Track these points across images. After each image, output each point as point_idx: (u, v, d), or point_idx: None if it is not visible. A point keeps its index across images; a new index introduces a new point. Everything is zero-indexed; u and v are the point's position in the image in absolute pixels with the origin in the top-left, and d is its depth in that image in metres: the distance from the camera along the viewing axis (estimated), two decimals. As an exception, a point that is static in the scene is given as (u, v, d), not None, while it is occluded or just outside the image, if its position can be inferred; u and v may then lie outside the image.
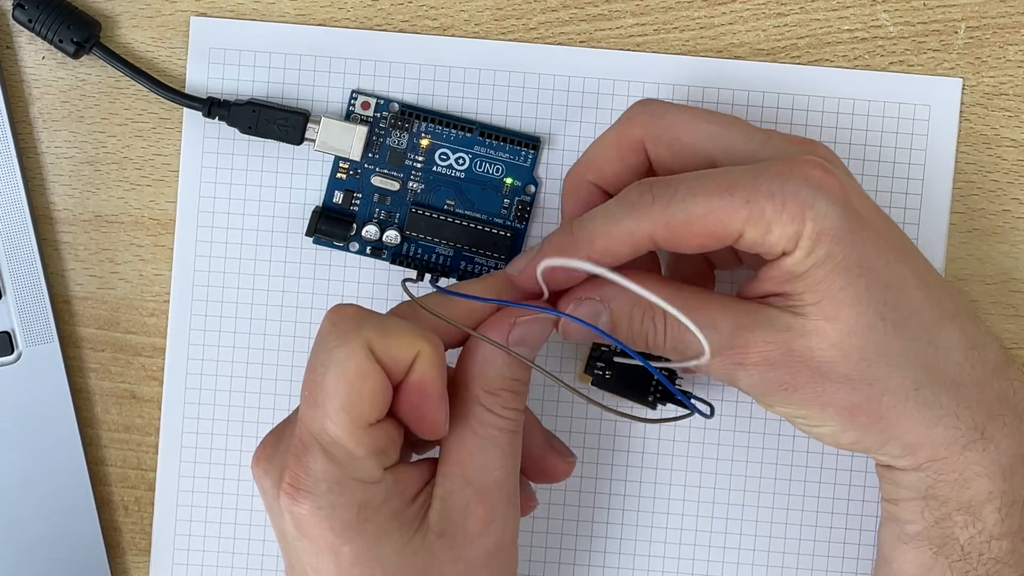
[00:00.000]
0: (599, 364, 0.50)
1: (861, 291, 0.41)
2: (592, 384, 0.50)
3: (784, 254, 0.42)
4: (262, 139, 0.51)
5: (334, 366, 0.41)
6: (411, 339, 0.42)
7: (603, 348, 0.50)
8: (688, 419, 0.50)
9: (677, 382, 0.50)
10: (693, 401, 0.45)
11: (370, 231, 0.51)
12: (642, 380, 0.50)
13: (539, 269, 0.43)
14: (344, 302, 0.44)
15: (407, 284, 0.45)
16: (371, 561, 0.42)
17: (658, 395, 0.50)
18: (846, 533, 0.52)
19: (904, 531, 0.45)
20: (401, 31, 0.51)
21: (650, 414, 0.50)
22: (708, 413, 0.46)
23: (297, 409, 0.43)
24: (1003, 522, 0.43)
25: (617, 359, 0.50)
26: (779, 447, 0.52)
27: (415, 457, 0.47)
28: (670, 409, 0.50)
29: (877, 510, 0.50)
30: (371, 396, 0.41)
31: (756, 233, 0.41)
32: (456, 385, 0.45)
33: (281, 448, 0.43)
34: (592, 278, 0.44)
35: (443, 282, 0.51)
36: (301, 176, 0.51)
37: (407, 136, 0.51)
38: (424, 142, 0.51)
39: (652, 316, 0.44)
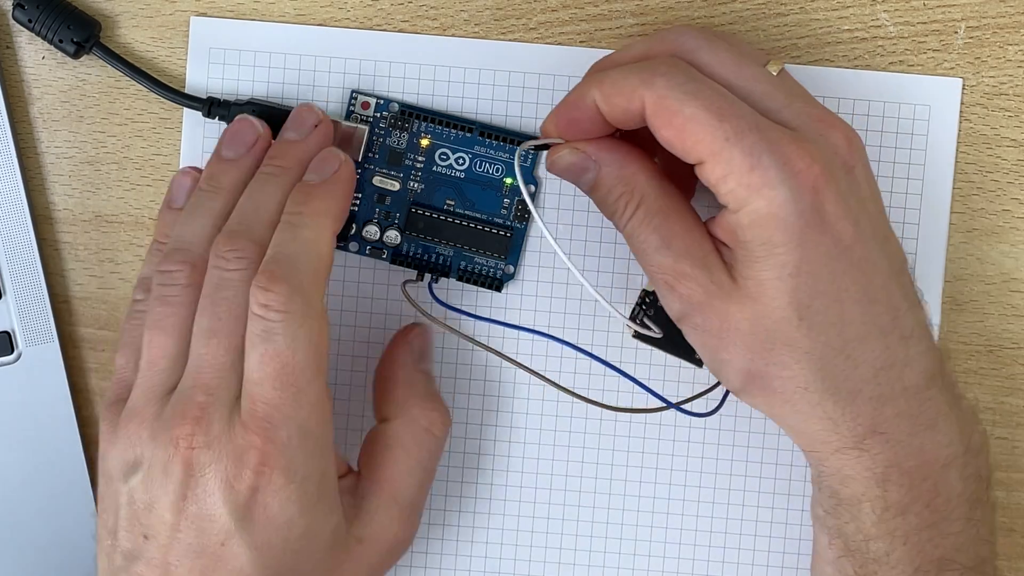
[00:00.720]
0: (648, 313, 0.49)
1: (788, 288, 0.42)
2: (635, 336, 0.49)
3: (727, 209, 0.42)
4: (262, 139, 0.51)
5: None
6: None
7: (650, 296, 0.49)
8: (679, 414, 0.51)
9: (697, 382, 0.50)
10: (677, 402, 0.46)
11: (370, 231, 0.51)
12: None
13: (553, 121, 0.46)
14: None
15: (407, 287, 0.46)
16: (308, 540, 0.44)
17: None
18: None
19: (816, 511, 0.47)
20: (401, 31, 0.51)
21: (696, 373, 0.51)
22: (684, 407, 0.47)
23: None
24: (877, 524, 0.44)
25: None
26: (779, 447, 0.52)
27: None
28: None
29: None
30: None
31: (715, 170, 0.42)
32: (395, 403, 0.48)
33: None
34: (608, 140, 0.46)
35: (443, 282, 0.51)
36: (301, 176, 0.51)
37: (407, 136, 0.51)
38: (424, 142, 0.51)
39: (629, 201, 0.45)
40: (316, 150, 0.48)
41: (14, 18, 0.50)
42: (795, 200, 0.41)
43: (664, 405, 0.48)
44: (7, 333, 0.51)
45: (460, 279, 0.51)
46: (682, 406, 0.48)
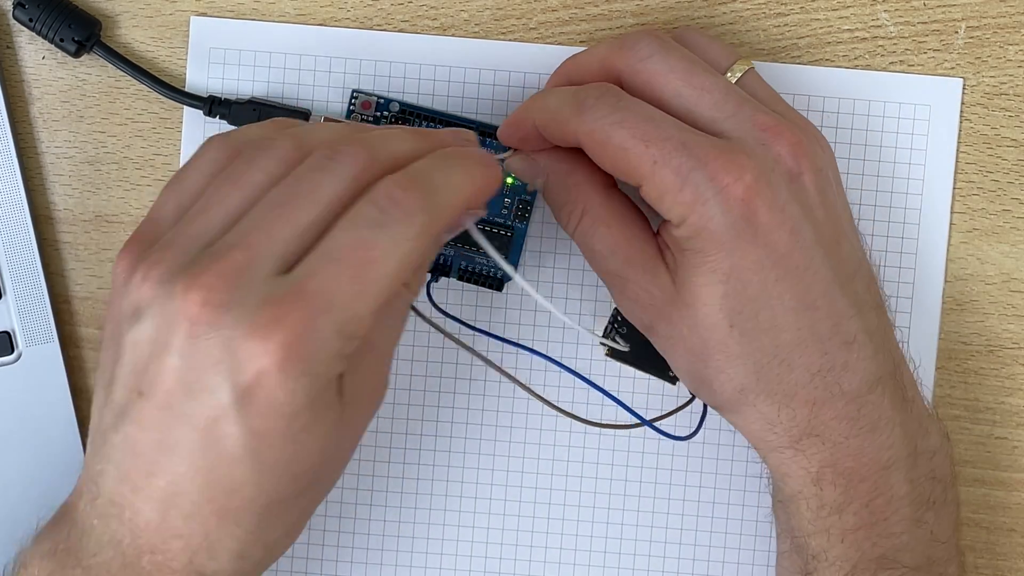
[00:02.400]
0: (620, 331, 0.50)
1: (718, 295, 0.44)
2: (608, 355, 0.50)
3: (668, 223, 0.44)
4: (262, 139, 0.51)
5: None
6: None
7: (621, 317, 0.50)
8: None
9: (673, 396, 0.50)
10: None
11: (370, 231, 0.51)
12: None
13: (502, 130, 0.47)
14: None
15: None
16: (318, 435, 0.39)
17: None
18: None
19: (773, 505, 0.48)
20: (401, 31, 0.51)
21: (668, 389, 0.51)
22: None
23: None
24: (814, 521, 0.46)
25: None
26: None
27: None
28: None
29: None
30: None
31: (650, 192, 0.43)
32: None
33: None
34: (557, 150, 0.47)
35: (443, 281, 0.51)
36: (301, 176, 0.51)
37: (407, 136, 0.51)
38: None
39: (573, 210, 0.46)
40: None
41: (15, 17, 0.50)
42: (724, 213, 0.42)
43: (638, 422, 0.49)
44: (7, 333, 0.51)
45: (460, 278, 0.51)
46: (656, 423, 0.49)
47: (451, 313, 0.50)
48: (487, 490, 0.52)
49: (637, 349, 0.49)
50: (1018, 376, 0.52)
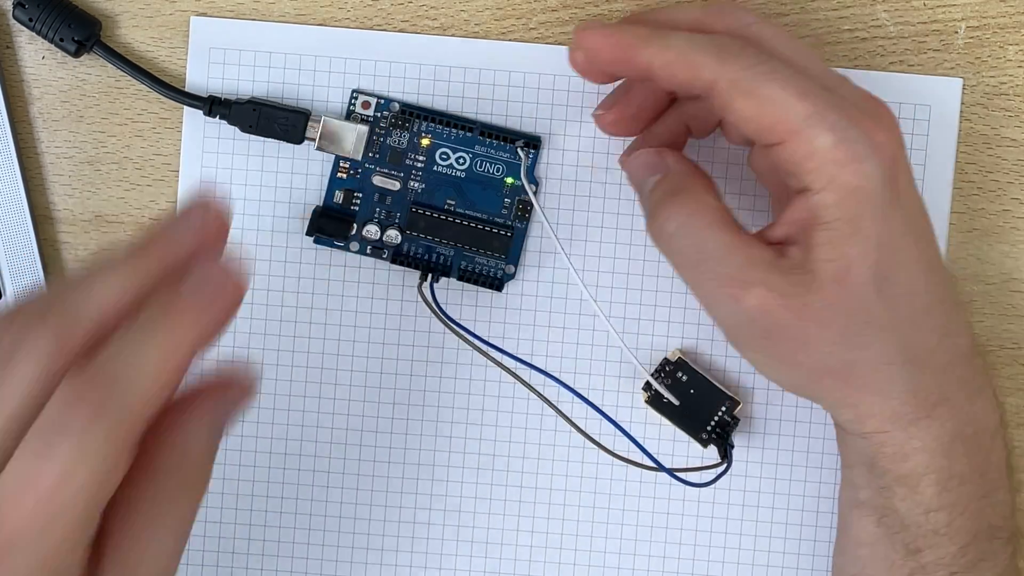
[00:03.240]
0: (666, 382, 0.50)
1: (871, 262, 0.41)
2: (647, 402, 0.50)
3: (808, 190, 0.42)
4: (262, 139, 0.51)
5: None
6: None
7: (671, 364, 0.50)
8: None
9: (732, 433, 0.51)
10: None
11: (370, 231, 0.51)
12: (703, 412, 0.50)
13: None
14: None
15: (423, 289, 0.45)
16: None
17: (714, 435, 0.50)
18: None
19: (856, 496, 0.46)
20: (401, 31, 0.51)
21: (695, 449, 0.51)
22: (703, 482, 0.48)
23: None
24: (940, 495, 0.44)
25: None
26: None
27: None
28: (708, 455, 0.51)
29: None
30: None
31: (797, 149, 0.41)
32: None
33: None
34: (674, 152, 0.46)
35: (443, 281, 0.51)
36: (301, 176, 0.51)
37: (407, 136, 0.51)
38: (425, 142, 0.51)
39: (681, 214, 0.43)
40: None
41: (14, 17, 0.50)
42: (880, 173, 0.41)
43: (656, 467, 0.49)
44: (7, 333, 0.51)
45: (461, 279, 0.51)
46: (676, 473, 0.49)
47: (451, 316, 0.50)
48: (487, 490, 0.52)
49: (683, 402, 0.50)
50: (1018, 376, 0.52)
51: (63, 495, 0.32)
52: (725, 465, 0.49)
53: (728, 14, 0.44)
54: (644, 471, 0.51)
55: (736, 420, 0.50)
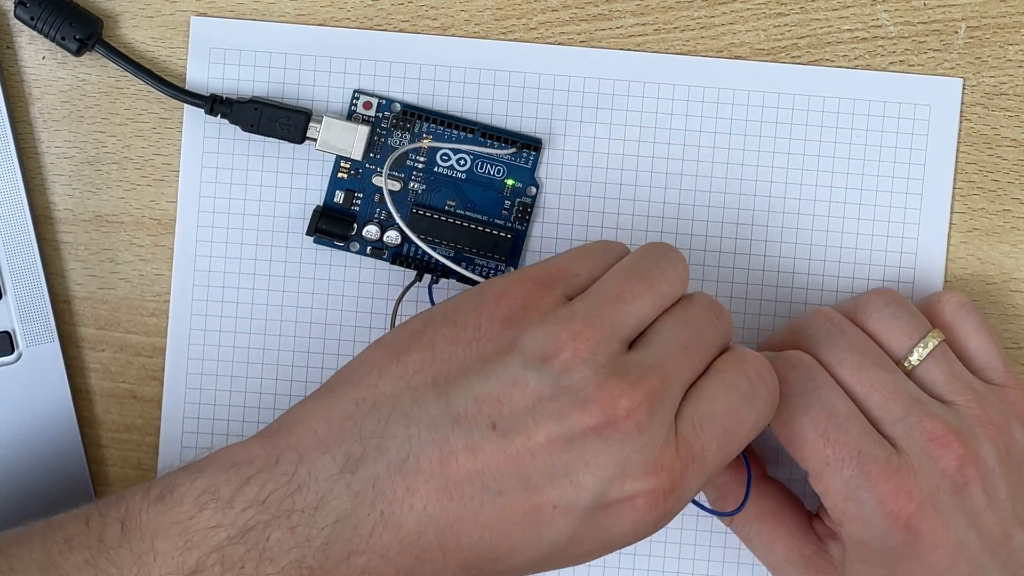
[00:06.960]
0: None
1: None
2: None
3: (830, 517, 0.45)
4: (263, 139, 0.51)
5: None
6: None
7: None
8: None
9: None
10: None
11: (371, 231, 0.51)
12: None
13: None
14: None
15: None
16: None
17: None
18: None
19: None
20: (401, 31, 0.51)
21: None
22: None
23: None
24: None
25: None
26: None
27: None
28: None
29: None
30: None
31: (817, 485, 0.44)
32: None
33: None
34: None
35: (443, 283, 0.51)
36: (302, 176, 0.51)
37: (408, 136, 0.51)
38: (425, 142, 0.51)
39: (726, 504, 0.48)
40: None
41: (16, 16, 0.50)
42: (885, 535, 0.43)
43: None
44: (7, 333, 0.51)
45: (461, 280, 0.51)
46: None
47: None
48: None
49: None
50: (1018, 376, 0.52)
51: (739, 443, 0.41)
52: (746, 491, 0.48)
53: (798, 333, 0.47)
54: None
55: None
